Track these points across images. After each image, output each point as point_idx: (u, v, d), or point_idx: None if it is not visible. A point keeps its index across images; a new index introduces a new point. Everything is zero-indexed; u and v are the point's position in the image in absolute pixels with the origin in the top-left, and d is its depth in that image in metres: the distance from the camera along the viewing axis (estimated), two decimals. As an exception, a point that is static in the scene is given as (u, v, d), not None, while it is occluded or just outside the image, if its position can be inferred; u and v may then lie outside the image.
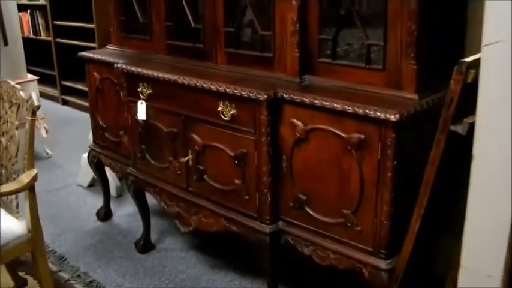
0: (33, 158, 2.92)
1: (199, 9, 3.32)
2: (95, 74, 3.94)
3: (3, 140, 3.10)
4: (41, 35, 8.11)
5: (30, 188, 2.86)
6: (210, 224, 3.21)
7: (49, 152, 5.74)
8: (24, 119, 2.90)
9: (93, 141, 4.20)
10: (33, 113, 2.86)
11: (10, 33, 5.24)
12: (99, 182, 4.38)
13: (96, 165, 4.24)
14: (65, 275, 3.68)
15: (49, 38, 7.81)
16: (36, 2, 7.96)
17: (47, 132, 5.60)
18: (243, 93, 2.78)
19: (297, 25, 2.82)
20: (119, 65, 3.52)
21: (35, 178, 2.85)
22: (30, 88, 5.42)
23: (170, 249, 3.93)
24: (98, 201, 4.59)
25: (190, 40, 3.40)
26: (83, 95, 7.22)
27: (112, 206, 4.48)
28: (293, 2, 2.80)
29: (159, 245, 3.97)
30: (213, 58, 3.27)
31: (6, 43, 5.13)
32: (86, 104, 7.09)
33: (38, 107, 2.85)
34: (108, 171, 4.34)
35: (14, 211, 3.09)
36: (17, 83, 5.11)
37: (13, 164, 3.06)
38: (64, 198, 4.80)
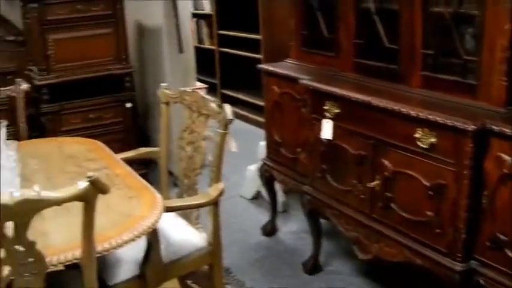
0: (221, 171, 2.89)
1: (394, 28, 3.16)
2: (274, 87, 3.88)
3: (188, 149, 3.09)
4: (204, 44, 8.24)
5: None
6: (392, 254, 3.05)
7: (213, 161, 5.74)
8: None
9: (267, 155, 4.14)
10: (225, 126, 2.81)
11: (184, 41, 5.29)
12: (268, 196, 4.32)
13: (267, 179, 4.19)
14: (231, 289, 3.65)
15: (213, 47, 7.92)
16: (202, 11, 8.10)
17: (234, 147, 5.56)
18: (447, 121, 2.60)
19: (508, 52, 2.62)
20: (304, 81, 3.44)
21: (222, 192, 2.81)
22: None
23: (338, 272, 3.80)
24: (261, 215, 4.56)
25: (382, 60, 3.25)
26: (243, 105, 7.28)
27: (277, 221, 4.41)
28: (506, 27, 2.60)
29: (327, 267, 3.85)
30: (407, 81, 3.10)
31: (181, 50, 5.19)
32: (245, 113, 7.18)
33: (231, 120, 2.80)
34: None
35: (193, 222, 3.07)
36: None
37: (196, 175, 3.04)
38: (228, 209, 4.77)
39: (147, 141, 5.62)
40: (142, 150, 3.45)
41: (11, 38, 5.50)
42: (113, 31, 4.88)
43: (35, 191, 1.79)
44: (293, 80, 3.62)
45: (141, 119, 5.62)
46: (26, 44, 5.35)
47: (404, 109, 2.79)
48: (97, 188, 1.88)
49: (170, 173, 3.50)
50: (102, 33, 4.86)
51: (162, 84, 3.36)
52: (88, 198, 1.90)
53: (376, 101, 2.95)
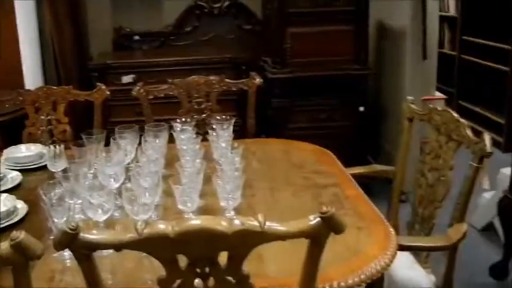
0: (467, 210, 2.47)
1: None
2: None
3: (430, 176, 2.69)
4: (444, 48, 7.70)
5: (454, 245, 2.43)
6: None
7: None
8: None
9: (510, 187, 3.63)
10: (481, 160, 2.39)
11: (428, 47, 4.84)
12: (504, 234, 3.80)
13: (506, 215, 3.68)
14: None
15: (453, 53, 7.37)
16: (446, 13, 7.55)
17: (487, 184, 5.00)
18: None
19: None
20: None
21: (464, 235, 2.40)
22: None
23: None
24: (491, 251, 4.06)
25: None
26: (480, 120, 6.69)
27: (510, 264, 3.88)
28: None
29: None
30: None
31: (425, 57, 4.75)
32: (482, 130, 6.57)
33: (490, 154, 2.37)
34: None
35: (422, 260, 2.70)
36: (424, 100, 4.82)
37: (436, 208, 2.64)
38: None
39: (376, 149, 5.29)
40: (377, 167, 3.15)
41: (248, 26, 5.42)
42: (354, 29, 4.60)
43: (257, 221, 1.51)
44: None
45: (372, 124, 5.26)
46: (262, 34, 5.23)
47: None
48: (331, 226, 1.57)
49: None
50: (343, 30, 4.60)
51: (408, 97, 2.98)
52: (318, 237, 1.59)
53: None
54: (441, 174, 2.62)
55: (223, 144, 2.56)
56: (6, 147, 3.26)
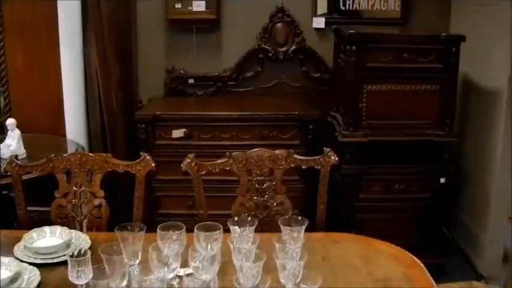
0: None
1: None
2: None
3: None
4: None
5: None
6: None
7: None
8: None
9: None
10: None
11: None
12: None
13: None
14: None
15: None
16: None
17: None
18: None
19: None
20: None
21: None
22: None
23: None
24: None
25: None
26: None
27: None
28: None
29: None
30: None
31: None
32: None
33: None
34: None
35: None
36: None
37: None
38: None
39: (451, 220, 4.67)
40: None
41: (316, 74, 4.86)
42: (439, 89, 3.98)
43: None
44: None
45: (451, 196, 4.59)
46: (332, 84, 4.66)
47: None
48: None
49: None
50: (426, 89, 4.00)
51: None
52: None
53: None
54: None
55: (296, 269, 1.96)
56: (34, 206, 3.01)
